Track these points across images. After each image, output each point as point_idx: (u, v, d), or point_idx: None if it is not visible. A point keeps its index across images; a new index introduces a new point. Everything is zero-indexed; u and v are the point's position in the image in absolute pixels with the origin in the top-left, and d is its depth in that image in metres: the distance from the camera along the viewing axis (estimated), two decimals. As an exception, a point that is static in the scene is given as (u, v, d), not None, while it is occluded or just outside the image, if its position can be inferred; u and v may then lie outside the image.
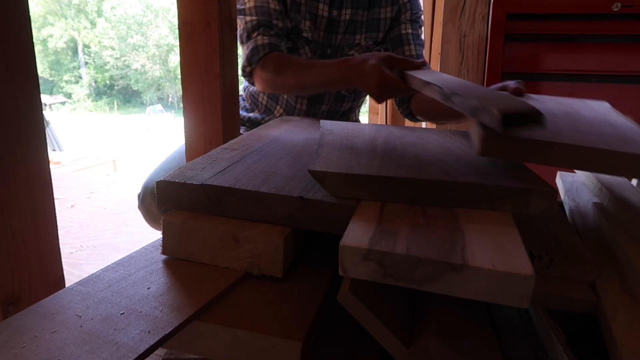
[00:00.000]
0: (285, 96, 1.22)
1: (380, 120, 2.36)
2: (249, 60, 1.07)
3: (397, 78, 0.83)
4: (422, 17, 1.26)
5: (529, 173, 0.52)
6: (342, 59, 0.96)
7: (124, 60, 22.32)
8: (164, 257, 0.50)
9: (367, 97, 1.38)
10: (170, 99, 22.97)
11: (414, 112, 1.20)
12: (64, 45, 22.41)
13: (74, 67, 23.02)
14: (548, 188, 0.46)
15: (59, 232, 0.62)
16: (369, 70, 0.86)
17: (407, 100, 1.20)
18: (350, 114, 1.31)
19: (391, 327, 0.40)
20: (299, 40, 1.16)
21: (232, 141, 0.71)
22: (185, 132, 0.94)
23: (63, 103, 21.43)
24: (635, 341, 0.39)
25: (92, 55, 22.84)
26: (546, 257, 0.49)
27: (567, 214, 0.69)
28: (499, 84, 0.86)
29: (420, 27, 1.24)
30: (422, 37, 1.25)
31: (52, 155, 5.20)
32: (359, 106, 1.35)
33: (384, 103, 2.06)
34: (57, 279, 0.62)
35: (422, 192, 0.48)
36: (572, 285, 0.48)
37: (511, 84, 0.82)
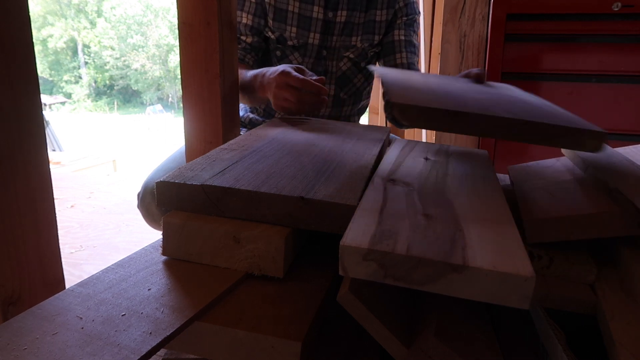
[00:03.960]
0: None
1: (380, 120, 2.36)
2: None
3: (294, 87, 0.90)
4: (419, 19, 1.26)
5: (577, 118, 0.56)
6: (266, 69, 0.99)
7: (124, 60, 22.30)
8: (164, 257, 0.50)
9: (368, 104, 1.39)
10: (170, 99, 22.95)
11: (397, 117, 1.21)
12: (64, 45, 22.39)
13: (74, 67, 23.00)
14: (601, 130, 0.50)
15: (59, 232, 0.62)
16: (272, 77, 0.93)
17: (391, 107, 1.21)
18: (350, 119, 1.31)
19: (391, 327, 0.40)
20: (286, 48, 1.17)
21: (231, 141, 0.71)
22: (185, 132, 0.94)
23: (63, 103, 21.41)
24: (634, 341, 0.39)
25: (92, 55, 22.82)
26: (546, 257, 0.49)
27: None
28: (463, 72, 0.94)
29: (415, 31, 1.24)
30: (417, 40, 1.25)
31: (52, 155, 5.20)
32: (360, 113, 1.35)
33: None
34: (57, 279, 0.62)
35: (491, 128, 0.50)
36: (572, 285, 0.48)
37: (473, 70, 0.92)
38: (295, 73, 0.91)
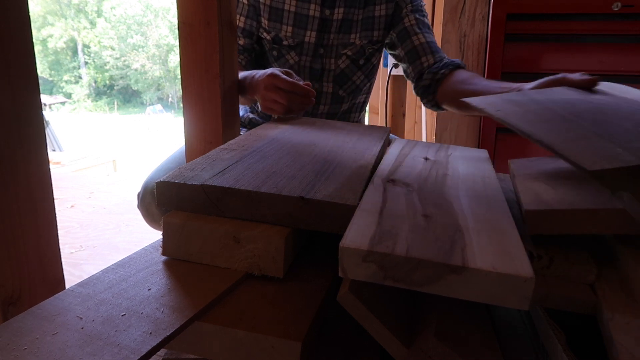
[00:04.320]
0: None
1: (381, 120, 2.36)
2: None
3: (282, 89, 0.91)
4: (424, 7, 1.25)
5: None
6: (255, 71, 1.00)
7: (124, 60, 22.30)
8: (164, 257, 0.50)
9: (368, 100, 1.38)
10: (170, 99, 22.95)
11: (440, 102, 1.16)
12: (64, 45, 22.39)
13: (74, 67, 22.99)
14: None
15: (59, 232, 0.62)
16: (260, 79, 0.94)
17: (433, 92, 1.16)
18: (351, 115, 1.31)
19: (391, 327, 0.40)
20: (282, 48, 1.17)
21: (231, 141, 0.71)
22: (185, 132, 0.94)
23: (63, 103, 21.40)
24: (634, 341, 0.39)
25: (92, 55, 22.81)
26: (546, 257, 0.49)
27: None
28: (552, 78, 0.83)
29: (425, 15, 1.22)
30: (429, 23, 1.23)
31: (52, 155, 5.20)
32: (360, 110, 1.35)
33: (385, 104, 2.07)
34: (57, 279, 0.62)
35: None
36: (572, 285, 0.48)
37: (572, 76, 0.79)
38: (283, 76, 0.92)
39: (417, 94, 1.21)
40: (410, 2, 1.20)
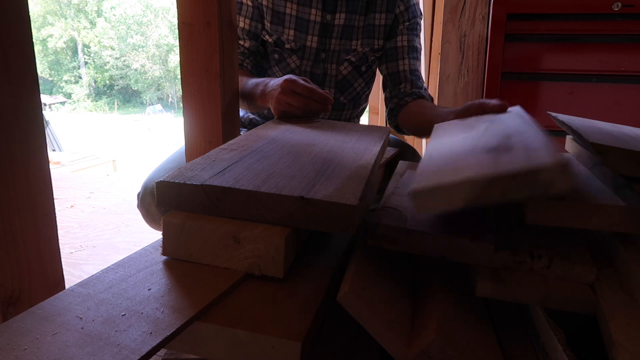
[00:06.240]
0: None
1: (381, 120, 2.36)
2: None
3: (299, 94, 0.90)
4: (421, 21, 1.26)
5: None
6: (268, 79, 0.99)
7: (124, 60, 22.28)
8: (164, 257, 0.50)
9: (367, 106, 1.39)
10: (170, 99, 22.94)
11: (400, 126, 1.21)
12: (64, 45, 22.36)
13: (74, 67, 22.96)
14: None
15: (59, 232, 0.62)
16: (276, 84, 0.93)
17: (395, 115, 1.21)
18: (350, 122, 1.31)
19: (391, 327, 0.40)
20: (284, 51, 1.17)
21: (231, 141, 0.71)
22: (185, 132, 0.94)
23: (63, 103, 21.39)
24: (634, 341, 0.39)
25: (92, 55, 22.79)
26: (546, 257, 0.49)
27: None
28: (474, 103, 0.83)
29: (417, 35, 1.24)
30: (419, 43, 1.25)
31: (51, 155, 5.20)
32: (359, 116, 1.35)
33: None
34: (57, 279, 0.62)
35: None
36: (572, 285, 0.48)
37: (492, 102, 0.80)
38: (301, 81, 0.91)
39: (386, 113, 1.26)
40: (408, 20, 1.20)
